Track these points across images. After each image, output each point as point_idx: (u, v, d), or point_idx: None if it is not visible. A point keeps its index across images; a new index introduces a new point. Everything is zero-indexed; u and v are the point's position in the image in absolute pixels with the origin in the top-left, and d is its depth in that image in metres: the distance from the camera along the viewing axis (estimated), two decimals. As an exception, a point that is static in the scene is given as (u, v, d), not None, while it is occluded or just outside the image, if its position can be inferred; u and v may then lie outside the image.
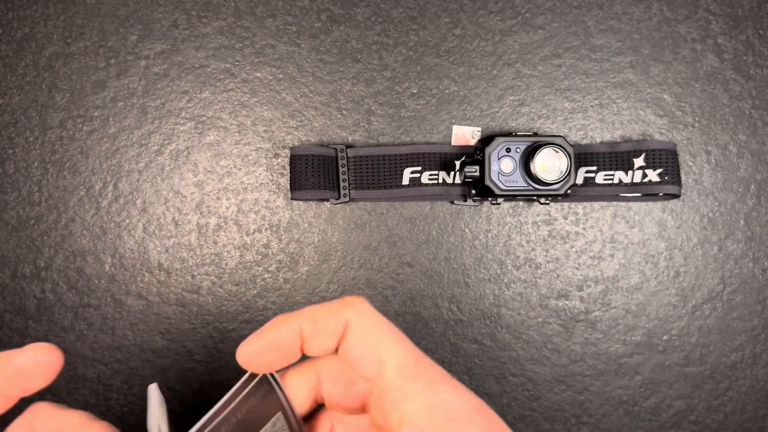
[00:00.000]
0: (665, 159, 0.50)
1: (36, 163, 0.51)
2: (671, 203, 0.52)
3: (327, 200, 0.51)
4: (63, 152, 0.51)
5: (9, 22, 0.51)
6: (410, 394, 0.24)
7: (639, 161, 0.50)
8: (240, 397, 0.28)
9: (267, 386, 0.28)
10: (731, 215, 0.52)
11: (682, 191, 0.52)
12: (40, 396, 0.51)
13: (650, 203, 0.52)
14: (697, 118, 0.52)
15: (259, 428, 0.28)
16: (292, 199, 0.50)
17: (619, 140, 0.52)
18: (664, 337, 0.52)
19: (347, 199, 0.50)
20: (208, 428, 0.28)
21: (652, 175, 0.50)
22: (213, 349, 0.51)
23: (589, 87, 0.52)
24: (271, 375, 0.28)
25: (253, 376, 0.28)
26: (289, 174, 0.50)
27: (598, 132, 0.52)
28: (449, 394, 0.24)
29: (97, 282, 0.51)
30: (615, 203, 0.52)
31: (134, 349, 0.51)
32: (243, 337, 0.53)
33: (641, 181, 0.50)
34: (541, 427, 0.52)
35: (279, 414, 0.29)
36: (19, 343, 0.51)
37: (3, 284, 0.51)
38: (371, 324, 0.25)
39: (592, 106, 0.52)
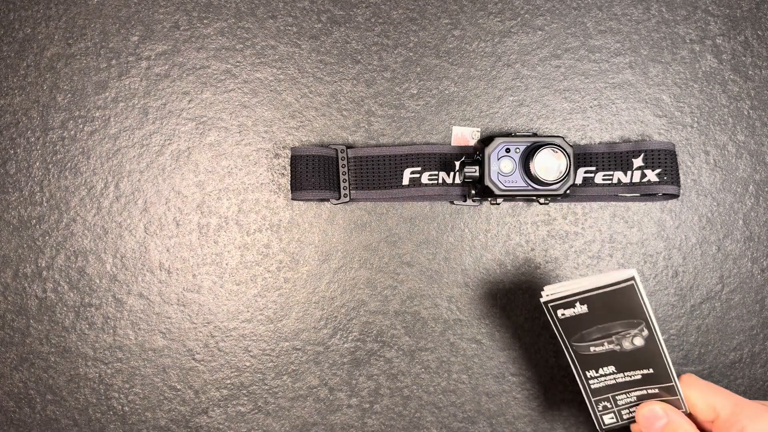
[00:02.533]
0: (664, 159, 0.50)
1: (37, 164, 0.51)
2: (670, 203, 0.52)
3: (327, 200, 0.51)
4: (64, 152, 0.51)
5: (10, 23, 0.52)
6: (741, 427, 0.38)
7: (638, 161, 0.50)
8: (606, 286, 0.40)
9: (632, 290, 0.40)
10: (730, 215, 0.52)
11: (681, 191, 0.52)
12: (42, 394, 0.51)
13: (649, 203, 0.52)
14: (695, 119, 0.52)
15: (616, 319, 0.41)
16: (292, 199, 0.50)
17: (618, 140, 0.52)
18: (663, 337, 0.52)
19: (347, 199, 0.50)
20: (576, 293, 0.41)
21: (651, 175, 0.50)
22: (214, 348, 0.52)
23: (588, 88, 0.52)
24: (634, 280, 0.39)
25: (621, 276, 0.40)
26: (289, 174, 0.51)
27: (597, 132, 0.52)
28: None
29: (98, 282, 0.52)
30: (614, 203, 0.52)
31: (135, 349, 0.52)
32: (244, 337, 0.54)
33: (640, 181, 0.50)
34: (540, 426, 0.52)
35: (641, 324, 0.41)
36: (21, 343, 0.52)
37: (4, 284, 0.51)
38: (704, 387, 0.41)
39: (591, 107, 0.52)
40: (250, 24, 0.52)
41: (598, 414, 0.45)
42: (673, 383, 0.42)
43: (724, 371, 0.53)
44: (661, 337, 0.42)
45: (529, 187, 0.48)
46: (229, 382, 0.52)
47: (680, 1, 0.52)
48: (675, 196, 0.51)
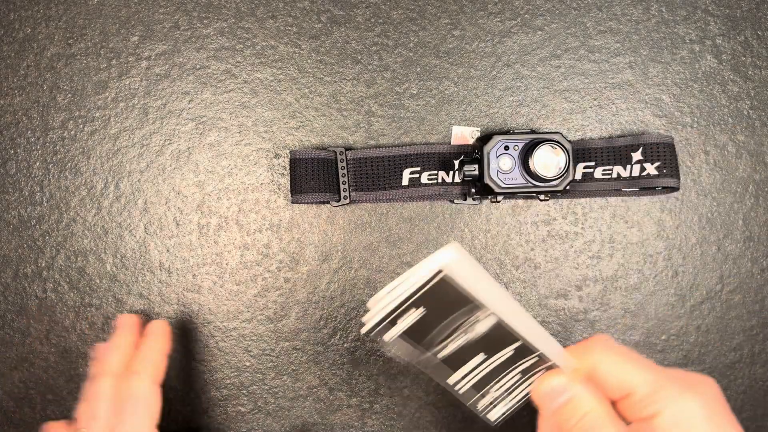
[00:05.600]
0: (663, 152, 0.50)
1: (38, 164, 0.51)
2: (670, 203, 0.52)
3: (327, 203, 0.51)
4: (64, 152, 0.51)
5: (11, 23, 0.52)
6: (657, 409, 0.32)
7: (637, 155, 0.50)
8: (423, 286, 0.33)
9: (446, 282, 0.33)
10: (729, 215, 0.52)
11: (681, 191, 0.52)
12: (42, 394, 0.51)
13: (649, 203, 0.52)
14: (695, 119, 0.52)
15: (455, 310, 0.34)
16: (292, 202, 0.50)
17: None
18: (663, 337, 0.52)
19: (347, 201, 0.50)
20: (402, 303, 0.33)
21: (651, 169, 0.50)
22: (214, 348, 0.52)
23: (588, 88, 0.52)
24: (443, 272, 0.32)
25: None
26: (289, 175, 0.51)
27: (596, 133, 0.52)
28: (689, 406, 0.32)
29: (98, 282, 0.52)
30: (614, 203, 0.52)
31: (135, 349, 0.52)
32: (244, 337, 0.54)
33: (639, 175, 0.50)
34: (540, 427, 0.52)
35: (477, 308, 0.33)
36: (21, 343, 0.52)
37: (5, 284, 0.51)
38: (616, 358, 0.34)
39: (590, 107, 0.52)
40: (250, 24, 0.52)
41: (483, 413, 0.39)
42: (540, 351, 0.35)
43: (724, 371, 0.53)
44: (503, 311, 0.34)
45: (529, 184, 0.48)
46: (229, 382, 0.52)
47: (680, 1, 0.52)
48: (675, 189, 0.51)
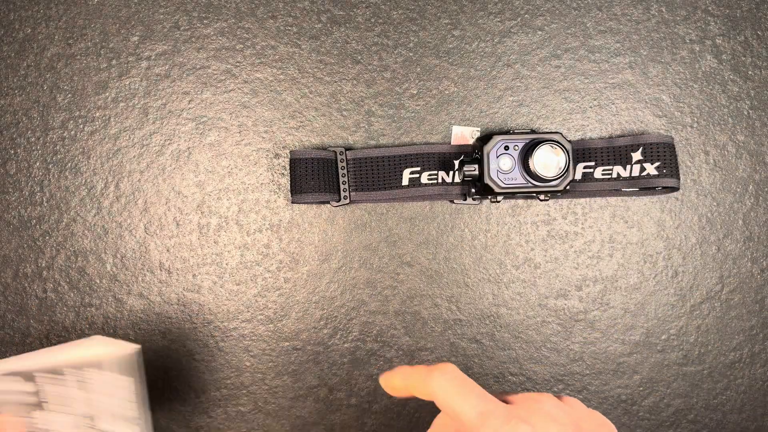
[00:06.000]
0: (663, 152, 0.50)
1: (38, 164, 0.51)
2: (669, 203, 0.52)
3: (327, 203, 0.51)
4: (65, 152, 0.51)
5: (11, 23, 0.52)
6: None
7: (637, 155, 0.50)
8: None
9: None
10: (729, 215, 0.52)
11: (681, 191, 0.52)
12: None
13: (649, 203, 0.52)
14: (695, 119, 0.52)
15: None
16: (292, 202, 0.50)
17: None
18: (663, 337, 0.52)
19: (347, 201, 0.50)
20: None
21: (650, 169, 0.50)
22: (214, 348, 0.52)
23: (588, 88, 0.52)
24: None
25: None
26: (289, 175, 0.51)
27: (596, 133, 0.52)
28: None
29: (98, 282, 0.52)
30: (613, 203, 0.52)
31: (135, 349, 0.52)
32: (244, 337, 0.54)
33: (639, 175, 0.50)
34: (540, 426, 0.52)
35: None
36: (21, 342, 0.52)
37: (5, 284, 0.51)
38: (450, 388, 0.33)
39: (590, 107, 0.52)
40: (250, 24, 0.52)
41: None
42: None
43: (724, 371, 0.53)
44: None
45: (529, 184, 0.48)
46: (229, 382, 0.52)
47: (680, 1, 0.52)
48: (675, 189, 0.51)
